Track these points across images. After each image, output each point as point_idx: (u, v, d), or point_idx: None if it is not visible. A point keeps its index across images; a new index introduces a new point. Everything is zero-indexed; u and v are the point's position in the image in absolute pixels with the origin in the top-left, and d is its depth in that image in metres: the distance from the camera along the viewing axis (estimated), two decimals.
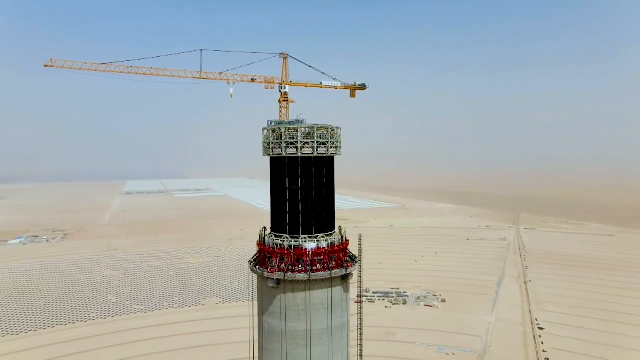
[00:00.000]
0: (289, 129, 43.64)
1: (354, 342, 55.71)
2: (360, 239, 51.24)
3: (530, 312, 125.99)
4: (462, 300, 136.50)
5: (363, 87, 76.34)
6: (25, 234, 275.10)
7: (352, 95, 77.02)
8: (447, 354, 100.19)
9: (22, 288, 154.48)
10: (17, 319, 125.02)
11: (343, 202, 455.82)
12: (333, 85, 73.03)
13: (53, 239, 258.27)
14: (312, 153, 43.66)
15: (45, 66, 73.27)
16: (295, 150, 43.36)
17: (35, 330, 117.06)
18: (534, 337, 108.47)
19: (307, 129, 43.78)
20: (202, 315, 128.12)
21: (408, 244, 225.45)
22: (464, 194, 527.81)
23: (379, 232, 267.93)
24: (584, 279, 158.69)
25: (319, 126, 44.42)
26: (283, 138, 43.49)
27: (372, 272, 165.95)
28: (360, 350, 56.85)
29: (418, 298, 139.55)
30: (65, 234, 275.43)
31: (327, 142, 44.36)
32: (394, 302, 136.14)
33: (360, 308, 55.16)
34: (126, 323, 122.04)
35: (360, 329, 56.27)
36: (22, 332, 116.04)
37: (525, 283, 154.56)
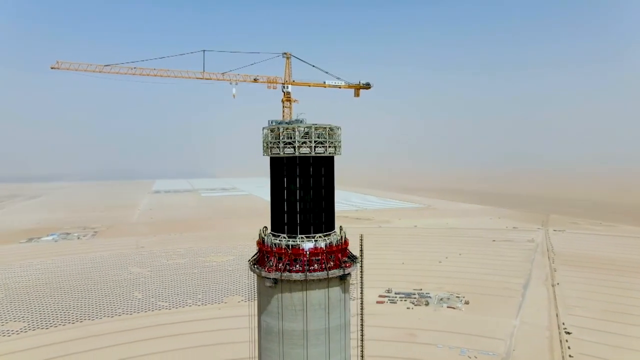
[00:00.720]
0: (287, 128, 43.53)
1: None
2: (361, 240, 50.69)
3: (557, 315, 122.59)
4: (486, 303, 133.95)
5: (367, 86, 75.32)
6: (57, 231, 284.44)
7: (356, 94, 75.97)
8: (469, 357, 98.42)
9: (53, 283, 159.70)
10: (47, 313, 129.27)
11: (364, 202, 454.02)
12: (337, 84, 72.31)
13: (84, 236, 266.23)
14: (310, 153, 43.44)
15: (52, 68, 74.79)
16: (292, 150, 43.22)
17: (64, 325, 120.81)
18: (561, 341, 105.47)
19: (305, 129, 43.54)
20: (224, 312, 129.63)
21: (432, 245, 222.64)
22: (489, 194, 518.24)
23: (403, 232, 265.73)
24: (615, 282, 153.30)
25: (317, 126, 44.08)
26: (281, 138, 43.42)
27: (394, 273, 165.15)
28: (362, 351, 56.23)
29: (441, 299, 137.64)
30: (96, 232, 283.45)
31: (326, 141, 44.02)
32: (416, 303, 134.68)
33: (362, 309, 54.59)
34: (151, 319, 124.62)
35: (362, 330, 55.69)
36: (51, 326, 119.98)
37: (552, 286, 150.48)
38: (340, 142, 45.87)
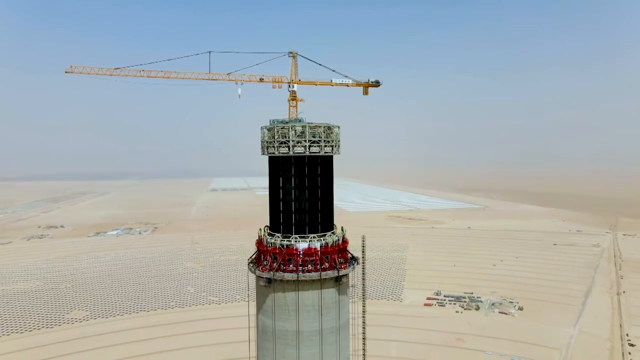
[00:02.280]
0: (283, 128, 43.10)
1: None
2: (363, 241, 49.32)
3: (620, 326, 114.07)
4: (541, 309, 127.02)
5: (376, 84, 72.68)
6: (121, 226, 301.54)
7: (365, 92, 73.71)
8: None
9: (114, 276, 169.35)
10: (107, 304, 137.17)
11: (416, 201, 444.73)
12: (344, 82, 70.23)
13: (145, 232, 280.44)
14: (304, 152, 42.71)
15: (66, 72, 77.92)
16: (287, 149, 42.68)
17: (122, 315, 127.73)
18: (623, 354, 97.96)
19: (300, 128, 42.83)
20: None
21: (486, 247, 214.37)
22: (547, 194, 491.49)
23: (456, 233, 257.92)
24: None
25: (313, 125, 43.24)
26: (276, 137, 43.03)
27: (445, 275, 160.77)
28: (363, 352, 54.81)
29: (493, 304, 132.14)
30: (156, 227, 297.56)
31: (321, 140, 43.07)
32: (465, 307, 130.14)
33: (364, 311, 53.17)
34: (201, 313, 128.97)
35: (364, 332, 54.28)
36: (110, 315, 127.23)
37: (618, 294, 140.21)
38: (338, 141, 44.74)
